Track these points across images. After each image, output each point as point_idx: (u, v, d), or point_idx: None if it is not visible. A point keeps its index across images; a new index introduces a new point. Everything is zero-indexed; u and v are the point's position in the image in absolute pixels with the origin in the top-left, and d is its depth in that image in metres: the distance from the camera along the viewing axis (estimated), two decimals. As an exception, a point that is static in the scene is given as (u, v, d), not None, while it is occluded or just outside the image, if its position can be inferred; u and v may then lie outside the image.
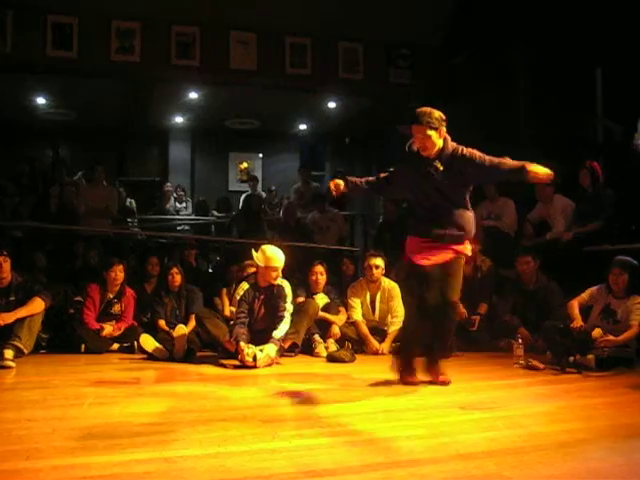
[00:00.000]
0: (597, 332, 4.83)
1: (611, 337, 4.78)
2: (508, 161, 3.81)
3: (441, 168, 3.88)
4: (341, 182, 4.28)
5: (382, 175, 4.32)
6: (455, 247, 3.98)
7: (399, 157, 4.21)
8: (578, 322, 5.03)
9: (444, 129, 3.88)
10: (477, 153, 3.91)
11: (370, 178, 4.45)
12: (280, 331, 5.12)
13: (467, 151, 3.90)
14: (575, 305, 5.22)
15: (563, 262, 6.29)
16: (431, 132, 3.83)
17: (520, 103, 8.25)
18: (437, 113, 3.86)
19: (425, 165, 3.93)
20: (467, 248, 4.06)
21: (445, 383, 4.13)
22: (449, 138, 3.94)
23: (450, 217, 3.96)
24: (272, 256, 5.19)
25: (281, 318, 5.16)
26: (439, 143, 3.88)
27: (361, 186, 4.37)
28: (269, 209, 10.92)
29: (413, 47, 9.38)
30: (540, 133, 7.84)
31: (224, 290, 6.59)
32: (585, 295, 5.28)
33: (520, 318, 5.95)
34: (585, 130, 8.06)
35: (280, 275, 5.28)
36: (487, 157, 3.88)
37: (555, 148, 7.37)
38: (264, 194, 11.39)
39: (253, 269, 5.68)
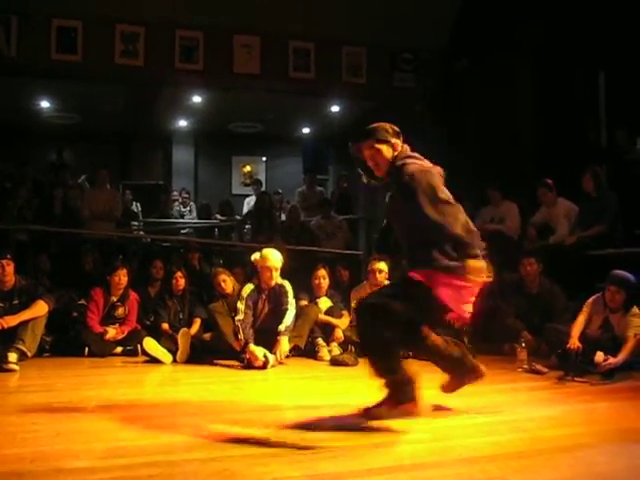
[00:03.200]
0: (599, 357, 4.67)
1: (612, 359, 4.64)
2: None
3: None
4: None
5: None
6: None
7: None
8: (574, 343, 4.87)
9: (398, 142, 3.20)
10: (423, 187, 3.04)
11: None
12: (286, 323, 5.36)
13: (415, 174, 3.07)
14: (577, 325, 5.05)
15: (566, 266, 6.28)
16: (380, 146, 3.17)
17: (523, 107, 8.24)
18: (387, 125, 3.21)
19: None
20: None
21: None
22: (404, 151, 3.21)
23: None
24: (267, 255, 5.48)
25: (285, 311, 5.42)
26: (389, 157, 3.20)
27: None
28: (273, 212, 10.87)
29: (416, 51, 9.37)
30: (543, 137, 7.84)
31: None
32: (586, 308, 5.16)
33: (523, 322, 5.94)
34: (588, 134, 8.05)
35: (277, 276, 5.51)
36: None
37: (558, 152, 7.38)
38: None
39: (224, 279, 6.06)
